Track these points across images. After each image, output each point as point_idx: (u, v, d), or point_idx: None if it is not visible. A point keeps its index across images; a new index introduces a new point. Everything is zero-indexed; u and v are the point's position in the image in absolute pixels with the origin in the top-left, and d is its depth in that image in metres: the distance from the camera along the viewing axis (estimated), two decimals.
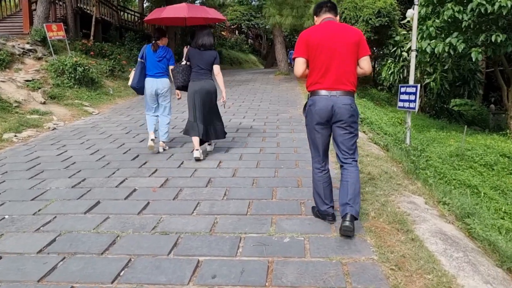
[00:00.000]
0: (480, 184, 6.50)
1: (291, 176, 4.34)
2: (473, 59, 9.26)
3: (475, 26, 9.39)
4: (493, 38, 8.94)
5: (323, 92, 2.93)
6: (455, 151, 8.88)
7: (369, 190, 3.79)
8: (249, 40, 37.05)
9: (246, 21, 33.56)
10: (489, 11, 8.67)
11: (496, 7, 8.48)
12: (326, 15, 3.08)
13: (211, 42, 5.06)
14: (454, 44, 9.37)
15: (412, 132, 10.42)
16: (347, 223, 2.78)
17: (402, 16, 15.07)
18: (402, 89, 6.72)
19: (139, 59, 5.35)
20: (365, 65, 3.02)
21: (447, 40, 9.50)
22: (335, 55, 2.91)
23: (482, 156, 8.57)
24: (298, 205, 3.51)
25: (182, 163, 4.93)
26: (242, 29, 35.36)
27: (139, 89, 5.37)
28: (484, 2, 8.64)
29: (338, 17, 3.15)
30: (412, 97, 6.38)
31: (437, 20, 10.10)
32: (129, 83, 5.37)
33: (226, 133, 5.45)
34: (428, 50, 9.94)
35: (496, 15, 8.96)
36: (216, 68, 5.08)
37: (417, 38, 10.61)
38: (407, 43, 14.19)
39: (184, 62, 5.15)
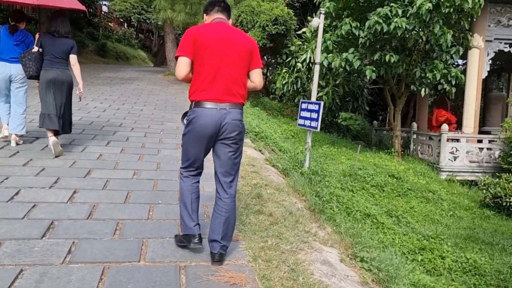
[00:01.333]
0: (377, 212, 6.12)
1: (171, 218, 3.25)
2: (368, 77, 9.15)
3: (371, 44, 9.31)
4: (387, 58, 8.91)
5: (210, 105, 2.53)
6: (348, 170, 8.62)
7: (272, 244, 2.88)
8: (140, 35, 34.69)
9: (136, 14, 31.26)
10: (385, 30, 8.59)
11: (392, 27, 8.41)
12: (218, 15, 2.71)
13: (67, 30, 4.78)
14: (351, 60, 9.16)
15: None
16: (216, 264, 2.58)
17: (298, 26, 14.91)
18: (303, 105, 6.07)
19: None
20: (256, 78, 2.70)
21: (344, 56, 9.28)
22: (226, 61, 2.55)
23: (373, 177, 8.43)
24: (176, 274, 2.43)
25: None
26: (132, 23, 32.90)
27: None
28: (381, 21, 8.53)
29: (230, 21, 2.78)
30: (314, 115, 5.74)
31: (334, 34, 9.86)
32: None
33: (72, 125, 5.16)
34: (325, 63, 9.62)
35: (390, 36, 8.95)
36: (73, 58, 4.86)
37: (314, 51, 10.32)
38: (302, 54, 14.03)
39: (36, 49, 4.75)
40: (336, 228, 3.57)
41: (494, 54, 11.57)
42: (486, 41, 11.31)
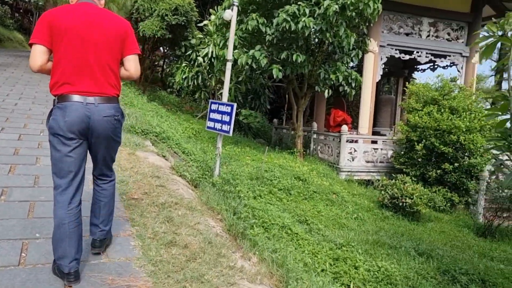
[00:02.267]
0: (290, 221, 5.80)
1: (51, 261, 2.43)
2: (274, 76, 8.87)
3: (277, 42, 9.04)
4: (294, 57, 8.73)
5: (76, 98, 2.19)
6: (254, 173, 8.26)
7: None
8: (16, 15, 30.59)
9: None
10: (292, 29, 8.38)
11: (300, 26, 8.22)
12: None
13: None
14: (257, 58, 8.79)
15: (213, 151, 9.48)
16: (96, 250, 2.52)
17: (200, 19, 14.19)
18: (213, 106, 5.48)
19: None
20: (131, 66, 2.39)
21: (251, 53, 8.87)
22: (91, 48, 2.21)
23: (279, 179, 8.19)
24: None
25: None
26: (6, 0, 28.88)
27: None
28: (289, 19, 8.29)
29: (103, 2, 2.44)
30: (226, 118, 5.19)
31: (240, 30, 9.40)
32: None
33: None
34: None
35: (297, 35, 8.77)
36: None
37: (219, 46, 9.76)
38: (203, 48, 13.37)
39: None
40: (260, 255, 3.07)
41: (386, 59, 12.20)
42: (380, 46, 11.85)
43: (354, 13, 8.76)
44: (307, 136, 12.40)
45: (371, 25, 10.81)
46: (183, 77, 13.26)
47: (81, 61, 2.21)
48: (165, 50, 17.59)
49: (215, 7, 14.63)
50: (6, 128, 5.26)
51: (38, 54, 2.18)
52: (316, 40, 9.60)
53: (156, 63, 19.93)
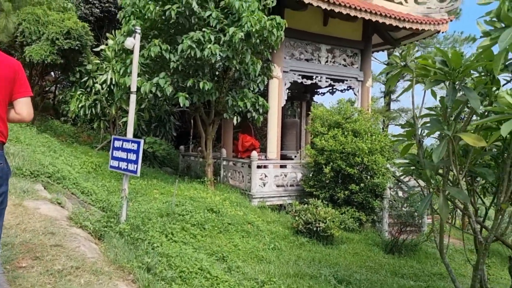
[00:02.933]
0: (208, 262, 5.38)
1: None
2: (181, 104, 8.47)
3: (183, 69, 8.68)
4: (201, 85, 8.43)
5: None
6: (164, 209, 7.70)
7: None
8: None
9: None
10: (198, 56, 8.10)
11: (205, 53, 7.97)
12: None
13: None
14: (162, 86, 8.34)
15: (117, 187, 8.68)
16: None
17: (96, 43, 13.27)
18: (116, 143, 4.90)
19: None
20: (23, 109, 2.23)
21: (155, 80, 8.39)
22: None
23: (192, 214, 7.74)
24: None
25: None
26: None
27: None
28: (194, 46, 8.01)
29: None
30: (132, 156, 4.66)
31: (141, 56, 8.88)
32: None
33: None
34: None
35: (203, 62, 8.52)
36: None
37: (119, 73, 9.10)
38: (101, 74, 12.46)
39: None
40: None
41: (290, 84, 12.51)
42: (284, 72, 12.12)
43: (258, 40, 8.79)
44: (216, 163, 12.09)
45: (274, 51, 10.99)
46: (79, 105, 12.18)
47: None
48: (57, 75, 16.17)
49: (112, 31, 13.85)
50: None
51: None
52: (222, 67, 9.42)
53: (47, 89, 18.24)
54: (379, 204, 9.75)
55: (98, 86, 12.38)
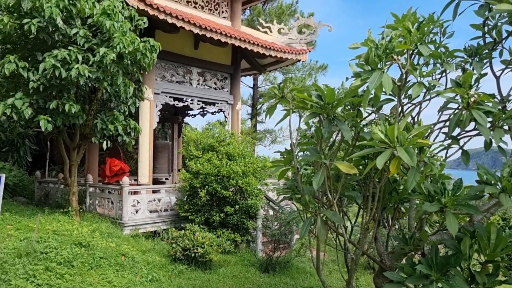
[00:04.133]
0: None
1: None
2: (43, 129, 7.61)
3: (45, 90, 7.84)
4: (66, 108, 7.72)
5: None
6: (23, 247, 6.78)
7: None
8: None
9: None
10: (63, 76, 7.43)
11: (73, 73, 7.36)
12: None
13: None
14: (19, 108, 7.40)
15: None
16: None
17: None
18: None
19: None
20: None
21: (9, 101, 7.41)
22: None
23: (57, 251, 7.00)
24: None
25: None
26: None
27: None
28: (59, 65, 7.33)
29: None
30: None
31: None
32: None
33: None
34: None
35: (68, 82, 7.84)
36: None
37: None
38: None
39: None
40: None
41: (161, 105, 12.27)
42: (155, 93, 11.86)
43: (130, 62, 8.47)
44: (82, 190, 11.11)
45: (146, 73, 10.70)
46: None
47: None
48: None
49: None
50: None
51: None
52: (90, 88, 8.79)
53: None
54: (253, 224, 10.08)
55: None
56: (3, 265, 5.37)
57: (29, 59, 7.98)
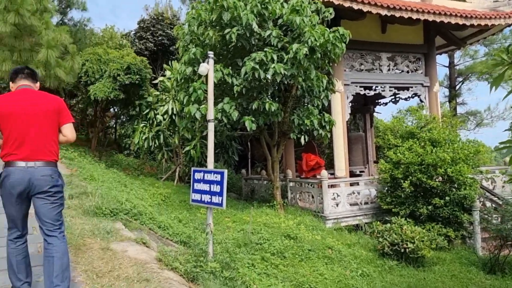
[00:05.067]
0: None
1: None
2: (248, 128, 8.20)
3: (247, 92, 8.45)
4: (266, 107, 8.14)
5: (19, 163, 2.75)
6: (241, 238, 7.37)
7: None
8: None
9: None
10: (262, 77, 7.85)
11: (270, 73, 7.70)
12: (23, 82, 2.94)
13: None
14: (227, 111, 8.13)
15: (186, 217, 8.51)
16: None
17: (154, 76, 13.52)
18: (197, 175, 4.65)
19: None
20: (68, 132, 2.96)
21: (219, 106, 8.21)
22: (32, 124, 2.77)
23: (269, 242, 7.34)
24: None
25: None
26: None
27: None
28: (258, 67, 7.77)
29: (38, 84, 3.04)
30: (216, 188, 4.37)
31: (202, 83, 8.77)
32: None
33: None
34: (197, 116, 8.39)
35: (266, 82, 8.26)
36: None
37: (183, 103, 9.04)
38: (162, 106, 12.60)
39: None
40: None
41: (352, 96, 11.97)
42: (345, 85, 11.63)
43: (320, 55, 8.43)
44: (282, 185, 11.68)
45: (335, 64, 10.57)
46: (143, 138, 12.34)
47: (25, 137, 2.75)
48: (116, 110, 16.65)
49: (169, 62, 14.08)
50: None
51: None
52: (285, 86, 9.12)
53: (107, 125, 18.89)
54: (468, 217, 8.86)
55: (159, 117, 12.51)
56: (242, 266, 5.86)
57: (230, 66, 8.70)
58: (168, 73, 13.27)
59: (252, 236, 7.45)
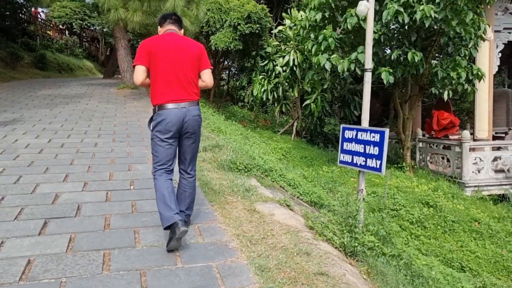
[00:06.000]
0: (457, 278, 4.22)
1: None
2: (385, 81, 7.28)
3: (384, 40, 7.48)
4: (409, 57, 7.12)
5: (171, 105, 2.82)
6: (373, 202, 6.75)
7: None
8: (84, 43, 31.36)
9: (78, 20, 28.12)
10: (406, 22, 6.79)
11: (417, 16, 6.61)
12: (170, 27, 3.03)
13: None
14: (362, 62, 7.28)
15: (312, 175, 8.09)
16: (183, 228, 2.67)
17: (273, 25, 12.96)
18: (348, 134, 4.06)
19: None
20: (206, 78, 3.03)
21: (353, 56, 7.38)
22: (179, 66, 2.86)
23: (406, 209, 6.61)
24: None
25: None
26: (74, 30, 29.62)
27: None
28: (402, 10, 6.72)
29: (182, 31, 3.12)
30: (373, 150, 3.75)
31: (331, 30, 7.96)
32: None
33: None
34: (327, 66, 7.69)
35: (410, 29, 7.17)
36: None
37: (311, 52, 8.38)
38: (281, 56, 12.08)
39: None
40: None
41: (503, 45, 10.17)
42: (495, 31, 9.87)
43: None
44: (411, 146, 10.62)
45: (488, 6, 8.90)
46: (261, 90, 12.03)
47: (173, 77, 2.84)
48: (229, 63, 16.56)
49: (288, 11, 13.36)
50: (90, 183, 4.18)
51: (141, 73, 2.84)
52: (428, 32, 7.90)
53: (221, 76, 19.08)
54: None
55: (278, 68, 12.04)
56: (384, 226, 5.29)
57: None
58: (287, 21, 12.59)
59: (386, 201, 6.78)
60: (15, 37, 20.10)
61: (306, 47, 8.62)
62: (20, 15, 21.46)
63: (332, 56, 7.60)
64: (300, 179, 7.01)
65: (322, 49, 7.66)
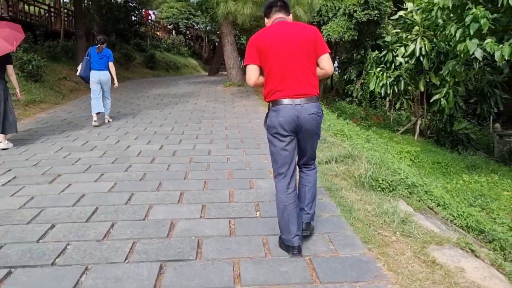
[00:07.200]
0: None
1: None
2: None
3: None
4: None
5: (285, 101, 2.57)
6: None
7: None
8: (188, 42, 32.33)
9: (184, 19, 28.95)
10: None
11: None
12: (277, 15, 2.74)
13: None
14: None
15: (455, 187, 6.72)
16: (303, 232, 2.71)
17: (394, 10, 11.48)
18: None
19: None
20: (326, 64, 2.67)
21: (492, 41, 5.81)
22: (292, 57, 2.57)
23: None
24: None
25: None
26: (180, 29, 30.59)
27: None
28: None
29: (290, 16, 2.80)
30: None
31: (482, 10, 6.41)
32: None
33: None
34: (477, 55, 6.21)
35: None
36: (10, 68, 5.50)
37: (455, 37, 6.92)
38: (403, 45, 10.60)
39: None
40: None
41: None
42: None
43: None
44: None
45: None
46: (380, 84, 10.68)
47: (286, 70, 2.57)
48: (349, 54, 15.31)
49: None
50: (208, 205, 3.44)
51: (253, 72, 2.66)
52: None
53: None
54: None
55: (399, 59, 10.58)
56: None
57: None
58: (409, 5, 11.03)
59: None
60: (128, 39, 21.10)
61: (443, 32, 7.18)
62: (133, 17, 22.50)
63: (486, 41, 6.10)
64: (451, 199, 5.72)
65: (471, 33, 6.19)
